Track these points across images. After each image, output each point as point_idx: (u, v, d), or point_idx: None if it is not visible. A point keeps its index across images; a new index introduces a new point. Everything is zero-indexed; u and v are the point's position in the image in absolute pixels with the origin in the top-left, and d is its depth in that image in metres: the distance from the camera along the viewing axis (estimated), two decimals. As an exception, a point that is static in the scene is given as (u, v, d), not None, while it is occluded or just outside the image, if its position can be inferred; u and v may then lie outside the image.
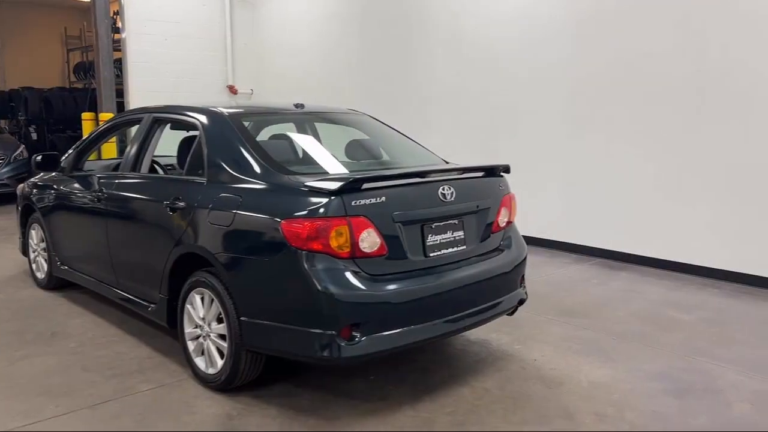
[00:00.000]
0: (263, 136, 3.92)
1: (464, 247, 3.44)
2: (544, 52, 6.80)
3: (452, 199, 3.33)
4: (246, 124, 3.63)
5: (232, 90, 10.94)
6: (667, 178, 5.97)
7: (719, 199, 5.62)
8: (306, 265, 2.89)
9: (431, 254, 3.26)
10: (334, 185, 2.93)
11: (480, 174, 3.71)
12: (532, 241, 7.11)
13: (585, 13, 6.42)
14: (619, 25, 6.16)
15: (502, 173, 3.82)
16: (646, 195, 6.14)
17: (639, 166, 6.15)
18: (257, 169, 3.29)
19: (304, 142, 4.06)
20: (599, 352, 4.01)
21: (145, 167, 4.14)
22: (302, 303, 2.94)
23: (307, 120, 4.27)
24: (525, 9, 6.94)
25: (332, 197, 2.92)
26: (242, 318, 3.14)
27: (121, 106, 9.72)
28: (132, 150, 4.19)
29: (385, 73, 8.69)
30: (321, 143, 4.10)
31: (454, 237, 3.39)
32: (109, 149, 8.87)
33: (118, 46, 10.30)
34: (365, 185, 3.02)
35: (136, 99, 9.88)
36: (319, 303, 2.88)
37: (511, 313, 3.81)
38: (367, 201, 2.98)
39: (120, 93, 10.10)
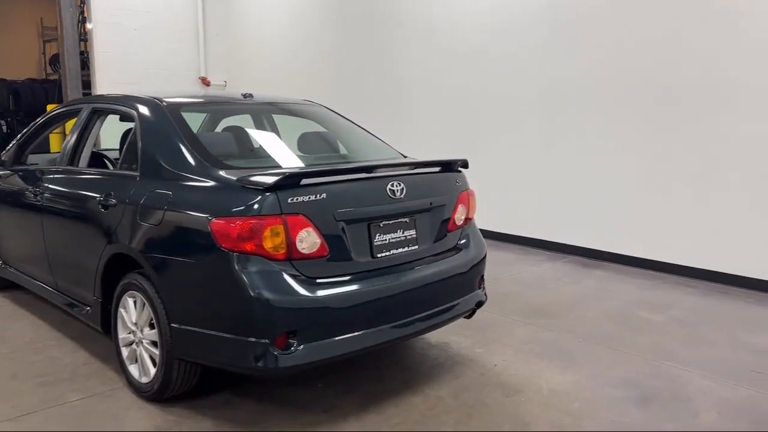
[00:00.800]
0: (205, 127, 3.67)
1: (416, 246, 3.23)
2: (521, 46, 6.59)
3: (402, 195, 3.11)
4: (185, 115, 3.38)
5: (205, 81, 10.65)
6: (642, 175, 5.78)
7: (694, 196, 5.45)
8: (237, 268, 2.66)
9: (379, 255, 3.04)
10: (268, 180, 2.69)
11: (436, 169, 3.49)
12: (506, 238, 6.96)
13: (563, 8, 6.22)
14: (598, 21, 5.96)
15: (460, 168, 3.60)
16: (621, 192, 5.96)
17: (614, 163, 5.97)
18: (191, 163, 3.05)
19: (249, 134, 3.82)
20: (563, 356, 3.82)
21: (83, 161, 3.89)
22: (233, 309, 2.71)
23: (257, 111, 4.04)
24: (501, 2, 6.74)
25: (266, 194, 2.69)
26: (173, 324, 2.91)
27: (87, 98, 9.41)
28: (70, 142, 3.94)
29: (360, 64, 8.45)
30: (269, 135, 3.86)
31: (405, 236, 3.17)
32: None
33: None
34: (304, 181, 2.79)
35: (103, 90, 9.56)
36: (250, 309, 2.65)
37: (469, 316, 3.61)
38: (306, 198, 2.75)
39: (88, 84, 9.79)
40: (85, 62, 9.96)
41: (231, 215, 2.69)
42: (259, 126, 4.17)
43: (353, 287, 2.87)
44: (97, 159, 4.37)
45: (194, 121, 3.45)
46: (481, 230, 6.99)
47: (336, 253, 2.85)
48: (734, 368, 3.67)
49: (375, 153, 3.91)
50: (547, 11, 6.32)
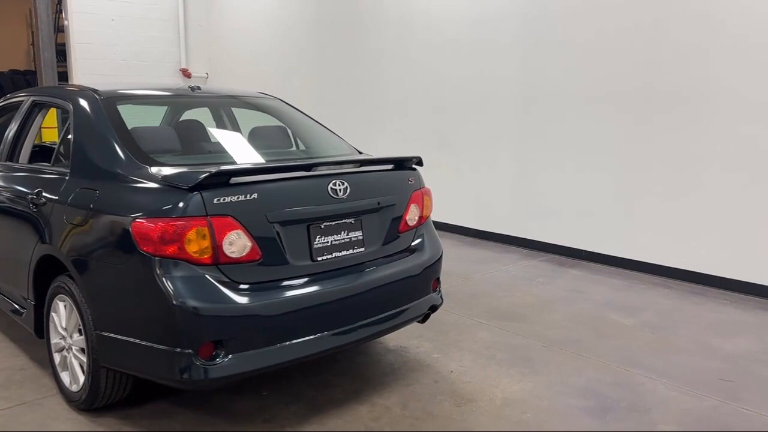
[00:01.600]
0: (146, 121, 3.49)
1: (363, 249, 3.06)
2: (496, 40, 6.41)
3: (345, 195, 2.94)
4: (122, 108, 3.21)
5: (186, 73, 10.46)
6: (619, 173, 5.61)
7: (673, 195, 5.28)
8: (158, 273, 2.49)
9: (320, 258, 2.87)
10: (191, 179, 2.52)
11: (387, 167, 3.32)
12: (483, 235, 6.80)
13: (535, 7, 6.04)
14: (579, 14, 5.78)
15: (414, 166, 3.43)
16: (599, 189, 5.79)
17: (592, 160, 5.79)
18: (119, 159, 2.87)
19: (191, 129, 3.65)
20: (524, 363, 3.66)
21: (24, 156, 3.71)
22: (155, 317, 2.55)
23: (204, 104, 3.86)
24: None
25: (190, 193, 2.52)
26: (98, 331, 2.74)
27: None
28: (8, 136, 3.76)
29: (338, 56, 8.25)
30: (216, 131, 3.69)
31: (350, 238, 3.01)
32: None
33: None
34: (233, 180, 2.62)
35: (80, 82, 9.37)
36: (172, 317, 2.48)
37: (423, 320, 3.45)
38: (235, 198, 2.58)
39: (65, 76, 9.61)
40: (63, 53, 9.77)
41: (152, 217, 2.52)
42: (215, 120, 4.00)
43: (288, 293, 2.71)
44: (46, 153, 4.19)
45: (133, 114, 3.26)
46: (457, 228, 6.78)
47: (270, 256, 2.69)
48: (702, 376, 3.51)
49: (329, 149, 3.75)
50: (518, 16, 6.14)
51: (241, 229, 2.59)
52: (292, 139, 3.86)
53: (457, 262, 5.88)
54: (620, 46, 5.45)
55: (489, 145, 6.64)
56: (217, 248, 2.53)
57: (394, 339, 3.93)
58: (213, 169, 2.57)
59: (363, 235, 3.06)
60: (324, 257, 2.88)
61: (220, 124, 4.11)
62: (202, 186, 2.52)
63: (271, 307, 2.63)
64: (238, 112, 3.95)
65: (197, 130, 3.75)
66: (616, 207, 5.66)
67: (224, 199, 2.55)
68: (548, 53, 5.99)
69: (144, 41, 10.00)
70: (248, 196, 2.61)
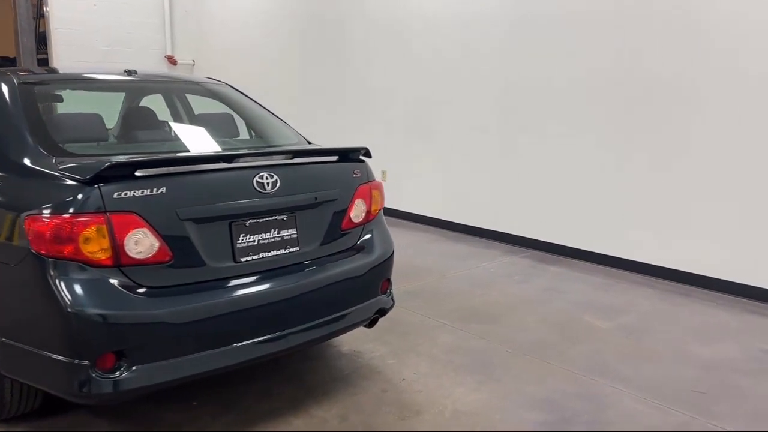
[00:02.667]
0: (70, 107, 3.24)
1: (297, 248, 2.81)
2: (480, 39, 6.11)
3: (274, 189, 2.69)
4: (39, 91, 2.95)
5: (171, 60, 10.19)
6: (603, 168, 5.32)
7: (658, 192, 4.98)
8: (52, 276, 2.24)
9: (244, 259, 2.62)
10: (89, 171, 2.27)
11: (333, 158, 3.06)
12: (468, 230, 6.52)
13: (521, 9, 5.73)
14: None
15: (362, 157, 3.16)
16: (582, 184, 5.50)
17: (575, 155, 5.50)
18: (23, 148, 2.62)
19: (137, 117, 3.41)
20: (484, 370, 3.40)
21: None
22: (50, 324, 2.31)
23: (140, 90, 3.61)
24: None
25: (87, 187, 2.27)
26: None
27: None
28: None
29: (325, 50, 7.97)
30: (160, 119, 3.43)
31: (282, 236, 2.75)
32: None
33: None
34: (140, 172, 2.37)
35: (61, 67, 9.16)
36: (68, 325, 2.24)
37: (370, 326, 3.19)
38: (139, 193, 2.33)
39: (46, 63, 9.38)
40: (46, 39, 9.53)
41: (45, 213, 2.27)
42: (169, 108, 3.76)
43: (204, 298, 2.46)
44: None
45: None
46: (442, 222, 6.45)
47: (182, 257, 2.44)
48: (674, 387, 3.24)
49: (275, 138, 3.49)
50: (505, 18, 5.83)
51: (147, 227, 2.34)
52: (243, 128, 3.60)
53: (436, 258, 5.63)
54: (605, 35, 5.14)
55: (473, 138, 6.36)
56: (118, 248, 2.29)
57: (348, 343, 3.68)
58: (114, 160, 2.31)
59: (297, 234, 2.80)
60: (249, 258, 2.63)
61: (174, 112, 3.87)
62: (101, 179, 2.27)
63: (182, 313, 2.38)
64: (170, 98, 3.69)
65: (142, 118, 3.51)
66: (601, 202, 5.37)
67: (127, 194, 2.30)
68: (533, 45, 5.69)
69: (128, 27, 9.74)
70: (155, 190, 2.36)
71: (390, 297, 3.22)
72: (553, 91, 5.58)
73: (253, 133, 3.60)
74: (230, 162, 2.62)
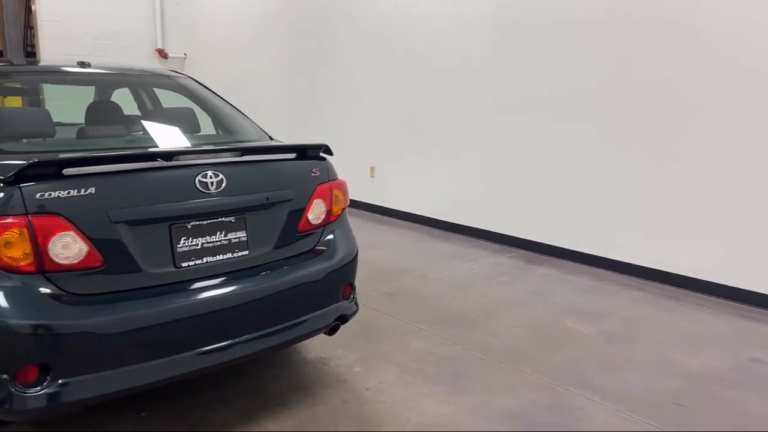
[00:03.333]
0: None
1: (247, 252, 2.64)
2: (470, 39, 5.91)
3: (218, 189, 2.52)
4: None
5: (162, 54, 10.04)
6: (593, 166, 5.13)
7: (648, 191, 4.79)
8: None
9: (185, 264, 2.45)
10: (7, 170, 2.10)
11: (290, 156, 2.89)
12: (455, 228, 6.34)
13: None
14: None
15: (322, 155, 2.99)
16: (571, 183, 5.31)
17: (565, 152, 5.31)
18: (-47, 145, 2.47)
19: (99, 112, 3.25)
20: (454, 379, 3.23)
21: None
22: None
23: (93, 83, 3.44)
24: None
25: (7, 187, 2.11)
26: None
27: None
28: None
29: (311, 45, 7.79)
30: (109, 113, 3.27)
31: (230, 240, 2.58)
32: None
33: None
34: (68, 171, 2.20)
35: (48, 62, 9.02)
36: None
37: (330, 333, 3.02)
38: (65, 193, 2.16)
39: (34, 56, 9.25)
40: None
41: None
42: (136, 101, 3.61)
43: (138, 306, 2.29)
44: None
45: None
46: (429, 220, 6.26)
47: (115, 263, 2.27)
48: (653, 399, 3.06)
49: (235, 134, 3.32)
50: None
51: (74, 230, 2.17)
52: (193, 124, 3.42)
53: (420, 258, 5.45)
54: (593, 43, 4.94)
55: (461, 135, 6.17)
56: (41, 253, 2.12)
57: (315, 349, 3.52)
58: (37, 158, 2.15)
59: (247, 236, 2.64)
60: (192, 263, 2.46)
61: (141, 106, 3.71)
62: (23, 178, 2.11)
63: (114, 323, 2.22)
64: (125, 92, 3.53)
65: (104, 113, 3.35)
66: (591, 202, 5.18)
67: (50, 195, 2.13)
68: (521, 45, 5.49)
69: (118, 20, 9.58)
70: (83, 190, 2.19)
71: (353, 302, 3.05)
72: (544, 89, 5.38)
73: (220, 131, 3.42)
74: (169, 160, 2.45)
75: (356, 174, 7.32)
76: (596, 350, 3.63)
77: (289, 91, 8.24)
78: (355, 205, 7.40)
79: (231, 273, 2.57)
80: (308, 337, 2.90)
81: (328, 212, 2.97)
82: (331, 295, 2.91)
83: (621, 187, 4.95)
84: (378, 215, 7.13)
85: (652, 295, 4.58)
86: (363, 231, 6.24)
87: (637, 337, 3.82)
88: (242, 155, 2.71)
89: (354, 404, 2.97)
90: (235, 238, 2.59)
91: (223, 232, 2.56)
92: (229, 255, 2.57)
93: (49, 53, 9.04)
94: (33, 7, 9.01)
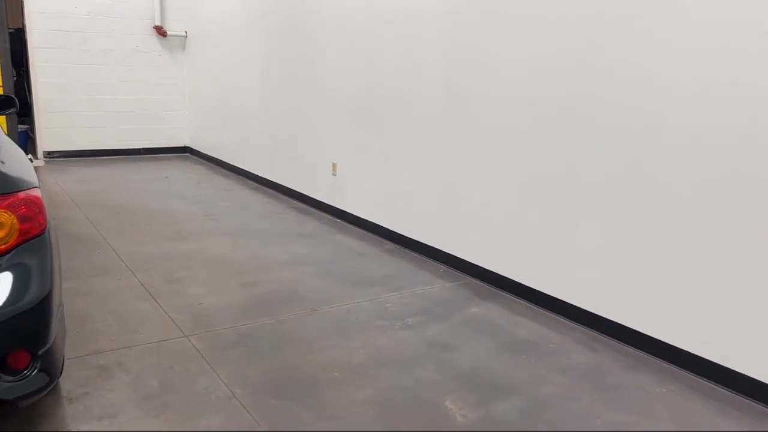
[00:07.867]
0: None
1: None
2: (421, 37, 4.73)
3: None
4: None
5: (160, 32, 9.36)
6: (559, 188, 3.86)
7: (620, 222, 3.49)
8: None
9: None
10: None
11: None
12: (407, 243, 5.19)
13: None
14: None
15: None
16: (532, 207, 4.06)
17: (519, 174, 4.06)
18: None
19: None
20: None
21: None
22: None
23: None
24: None
25: None
26: None
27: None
28: None
29: (284, 42, 6.81)
30: None
31: None
32: None
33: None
34: None
35: (38, 41, 8.59)
36: None
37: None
38: None
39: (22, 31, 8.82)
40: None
41: None
42: None
43: None
44: None
45: None
46: (381, 229, 5.23)
47: None
48: None
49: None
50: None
51: None
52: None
53: (335, 283, 4.38)
54: (557, 43, 3.66)
55: (417, 135, 5.01)
56: None
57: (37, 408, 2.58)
58: None
59: None
60: None
61: None
62: None
63: None
64: None
65: None
66: (551, 229, 3.92)
67: None
68: (470, 55, 4.26)
69: (113, -7, 9.00)
70: None
71: (27, 380, 2.06)
72: (507, 89, 4.15)
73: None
74: None
75: (319, 170, 6.33)
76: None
77: (261, 79, 7.33)
78: (317, 206, 6.40)
79: None
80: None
81: (4, 239, 2.00)
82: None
83: (589, 215, 3.67)
84: (339, 220, 6.08)
85: (608, 357, 3.32)
86: (301, 242, 5.29)
87: (536, 426, 2.62)
88: None
89: None
90: None
91: None
92: None
93: (36, 29, 8.57)
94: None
